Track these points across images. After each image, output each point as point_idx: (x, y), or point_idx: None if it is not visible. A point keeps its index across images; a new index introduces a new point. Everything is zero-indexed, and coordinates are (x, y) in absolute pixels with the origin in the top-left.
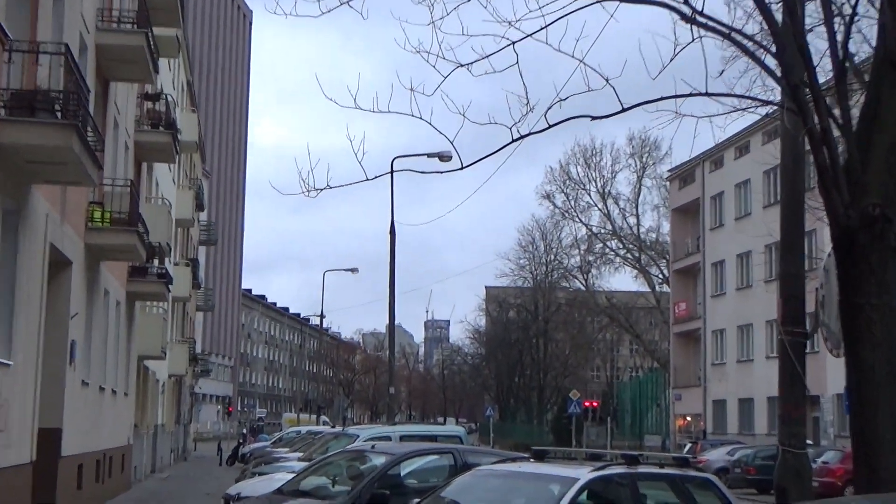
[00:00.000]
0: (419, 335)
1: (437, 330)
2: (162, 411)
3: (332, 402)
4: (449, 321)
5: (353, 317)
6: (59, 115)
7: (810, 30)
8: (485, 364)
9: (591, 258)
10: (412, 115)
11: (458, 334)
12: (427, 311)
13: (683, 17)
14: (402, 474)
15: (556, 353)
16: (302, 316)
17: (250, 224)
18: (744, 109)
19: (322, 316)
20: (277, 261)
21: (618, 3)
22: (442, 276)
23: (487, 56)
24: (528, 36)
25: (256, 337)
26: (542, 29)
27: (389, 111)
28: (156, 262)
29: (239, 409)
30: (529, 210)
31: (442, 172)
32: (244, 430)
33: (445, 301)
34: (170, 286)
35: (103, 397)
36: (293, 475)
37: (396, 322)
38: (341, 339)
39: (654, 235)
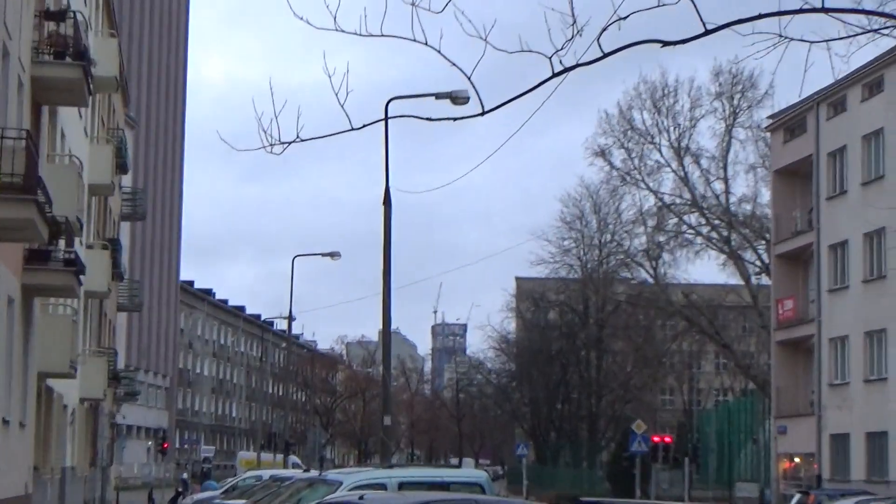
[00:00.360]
0: (425, 345)
1: (449, 338)
2: (72, 449)
3: (306, 438)
4: (466, 326)
5: (334, 320)
6: None
7: None
8: (515, 385)
9: (661, 238)
10: (413, 40)
11: (478, 343)
12: (435, 313)
13: None
14: None
15: (614, 370)
16: (263, 319)
17: (192, 193)
18: (876, 31)
19: (291, 318)
20: (229, 243)
21: None
22: (456, 262)
23: None
24: None
25: (201, 347)
26: None
27: (383, 34)
28: (62, 243)
29: (177, 445)
30: (576, 172)
31: (455, 119)
32: (184, 476)
33: (461, 298)
34: (81, 277)
35: None
36: None
37: (393, 327)
38: (317, 350)
39: (748, 207)
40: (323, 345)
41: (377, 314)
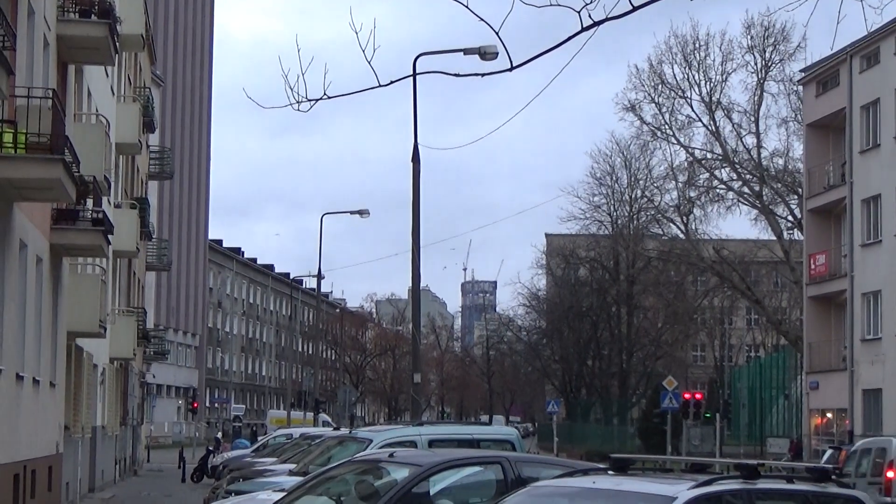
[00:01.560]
0: (454, 302)
1: (478, 295)
2: (102, 408)
3: (336, 396)
4: (495, 283)
5: (364, 278)
6: None
7: None
8: (546, 342)
9: (692, 194)
10: None
11: (508, 301)
12: (465, 270)
13: None
14: (431, 493)
15: (645, 327)
16: (292, 277)
17: (219, 151)
18: None
19: (320, 277)
20: (258, 202)
21: None
22: (485, 219)
23: None
24: None
25: (230, 306)
26: None
27: None
28: (89, 202)
29: (207, 404)
30: (607, 128)
31: (483, 75)
32: (216, 435)
33: (490, 255)
34: (109, 236)
35: (21, 389)
36: (282, 495)
37: (423, 284)
38: (347, 308)
39: (780, 162)
40: (352, 303)
41: (406, 272)
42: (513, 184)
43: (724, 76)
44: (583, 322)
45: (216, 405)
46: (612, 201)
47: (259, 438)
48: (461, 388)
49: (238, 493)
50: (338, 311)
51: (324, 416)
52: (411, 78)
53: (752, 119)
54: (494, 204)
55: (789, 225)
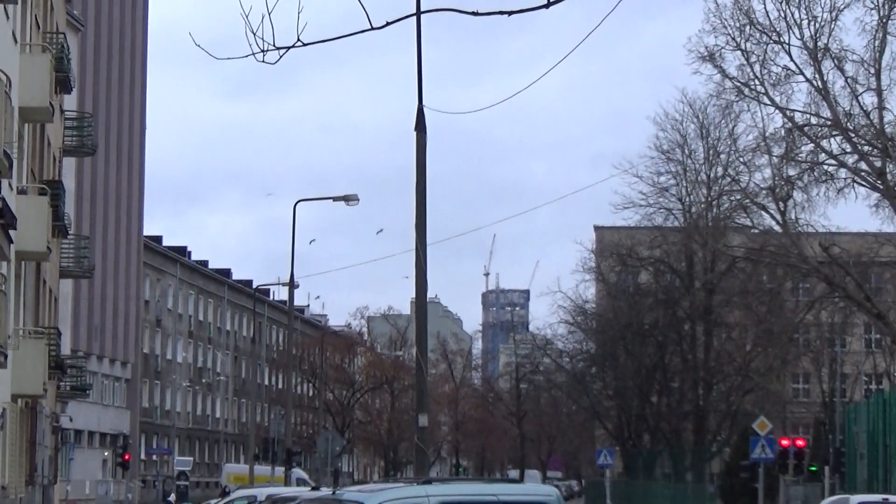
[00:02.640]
0: (473, 318)
1: (505, 309)
2: (2, 463)
3: (314, 445)
4: (528, 292)
5: (353, 287)
6: None
7: None
8: (595, 371)
9: (792, 172)
10: None
11: (544, 316)
12: (487, 275)
13: None
14: None
15: (729, 350)
16: (257, 286)
17: (159, 118)
18: None
19: (293, 285)
20: (210, 185)
21: None
22: (515, 207)
23: None
24: None
25: (172, 325)
26: None
27: None
28: None
29: (143, 456)
30: (676, 84)
31: (511, 13)
32: (171, 499)
33: (522, 255)
34: (11, 232)
35: None
36: None
37: (431, 295)
38: (330, 328)
39: None
40: (337, 320)
41: (409, 278)
42: (551, 160)
43: (833, 14)
44: (645, 345)
45: (154, 458)
46: (685, 182)
47: (211, 502)
48: (482, 434)
49: None
50: (317, 330)
51: (298, 472)
52: (414, 18)
53: (872, 71)
54: (527, 187)
55: None
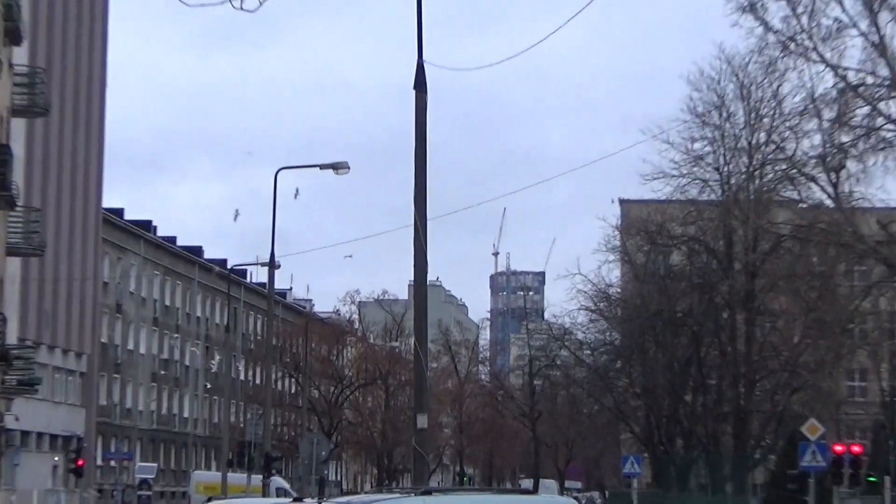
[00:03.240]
0: (480, 304)
1: (517, 294)
2: None
3: (297, 449)
4: (543, 275)
5: (342, 268)
6: None
7: None
8: (621, 366)
9: (845, 138)
10: None
11: (561, 301)
12: (496, 255)
13: None
14: None
15: (774, 342)
16: (232, 267)
17: (121, 74)
18: None
19: (273, 265)
20: (179, 152)
21: None
22: (528, 178)
23: None
24: None
25: (135, 311)
26: None
27: None
28: None
29: (100, 462)
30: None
31: None
32: None
33: (536, 231)
34: None
35: None
36: None
37: (432, 277)
38: (316, 314)
39: None
40: (324, 306)
41: (407, 259)
42: (570, 124)
43: None
44: (678, 335)
45: (113, 464)
46: (723, 150)
47: None
48: (490, 438)
49: None
50: (301, 317)
51: (278, 481)
52: None
53: None
54: (542, 155)
55: None
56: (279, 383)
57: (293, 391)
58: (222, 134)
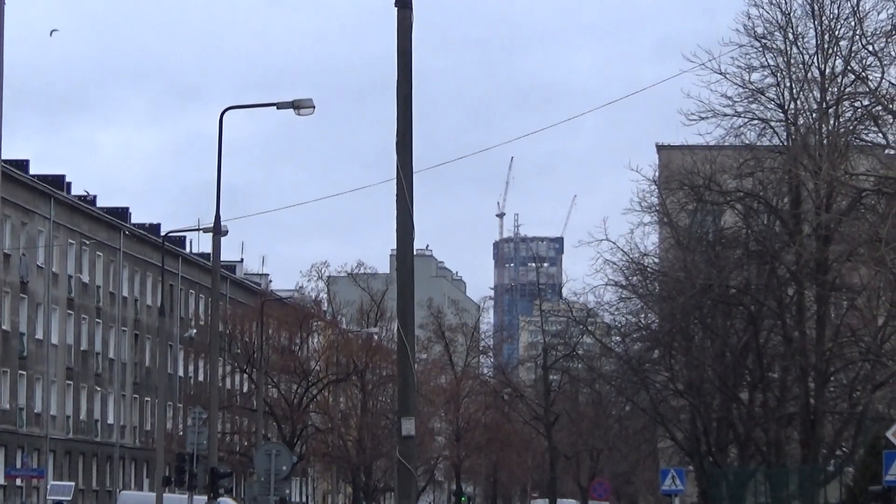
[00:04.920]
0: (482, 279)
1: (528, 266)
2: None
3: (250, 462)
4: (561, 241)
5: (306, 235)
6: None
7: None
8: (659, 356)
9: None
10: None
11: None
12: (501, 217)
13: None
14: None
15: (852, 325)
16: (167, 233)
17: None
18: None
19: (219, 231)
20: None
21: None
22: (542, 118)
23: None
24: None
25: (43, 289)
26: None
27: None
28: None
29: (1, 480)
30: None
31: None
32: None
33: (551, 187)
34: None
35: None
36: None
37: (421, 245)
38: (274, 293)
39: None
40: (283, 282)
41: (388, 222)
42: (597, 50)
43: None
44: (731, 317)
45: (19, 482)
46: (788, 81)
47: None
48: (495, 447)
49: None
50: (255, 296)
51: (226, 502)
52: None
53: None
54: (561, 88)
55: None
56: (228, 380)
57: (246, 390)
58: (156, 66)
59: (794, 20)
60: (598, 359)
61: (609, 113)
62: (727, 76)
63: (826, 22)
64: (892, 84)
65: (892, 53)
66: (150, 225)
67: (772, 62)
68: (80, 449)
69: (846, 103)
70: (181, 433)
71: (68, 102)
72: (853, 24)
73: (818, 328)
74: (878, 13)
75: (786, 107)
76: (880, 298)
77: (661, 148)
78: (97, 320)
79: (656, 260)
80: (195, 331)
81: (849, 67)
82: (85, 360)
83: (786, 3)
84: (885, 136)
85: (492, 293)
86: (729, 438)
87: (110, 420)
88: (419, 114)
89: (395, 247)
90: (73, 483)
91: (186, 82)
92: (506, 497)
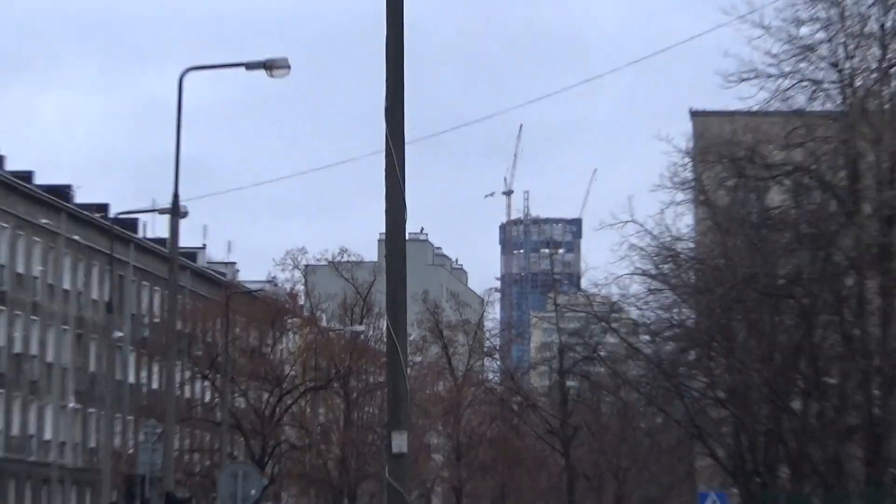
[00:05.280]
0: (487, 268)
1: (540, 253)
2: None
3: (214, 485)
4: (579, 223)
5: (280, 217)
6: None
7: None
8: (695, 358)
9: None
10: None
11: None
12: (509, 194)
13: None
14: None
15: None
16: (116, 215)
17: None
18: None
19: (177, 212)
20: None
21: None
22: (556, 81)
23: None
24: None
25: None
26: None
27: None
28: None
29: None
30: None
31: None
32: None
33: (568, 159)
34: None
35: None
36: None
37: (415, 228)
38: (241, 285)
39: None
40: (253, 272)
41: (376, 202)
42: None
43: None
44: (780, 312)
45: None
46: (843, 37)
47: None
48: (503, 466)
49: None
50: (221, 290)
51: None
52: None
53: None
54: (580, 45)
55: None
56: (187, 388)
57: (208, 399)
58: (106, 20)
59: None
60: (623, 362)
61: (636, 73)
62: (771, 31)
63: None
64: None
65: None
66: (97, 206)
67: (823, 14)
68: (11, 470)
69: None
70: (132, 451)
71: (0, 61)
72: None
73: (883, 324)
74: None
75: (840, 66)
76: None
77: (695, 114)
78: (33, 318)
79: (691, 245)
80: (149, 330)
81: None
82: (18, 365)
83: None
84: None
85: (498, 284)
86: (779, 456)
87: (47, 436)
88: (413, 74)
89: (383, 230)
90: None
91: (141, 39)
92: None
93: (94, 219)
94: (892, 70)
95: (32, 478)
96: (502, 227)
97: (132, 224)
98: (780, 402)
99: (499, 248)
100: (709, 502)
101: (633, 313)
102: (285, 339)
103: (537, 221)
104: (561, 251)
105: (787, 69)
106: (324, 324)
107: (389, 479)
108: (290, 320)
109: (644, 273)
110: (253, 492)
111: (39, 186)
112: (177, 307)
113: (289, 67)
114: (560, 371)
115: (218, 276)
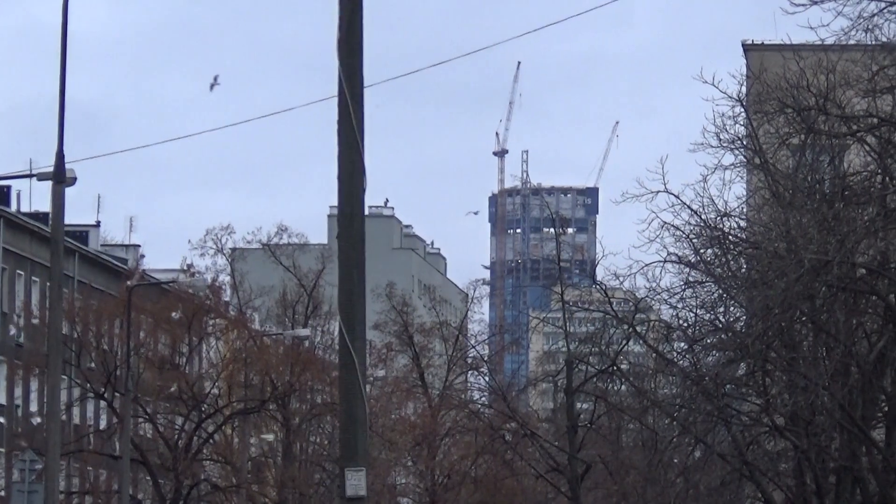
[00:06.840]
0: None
1: (541, 234)
2: None
3: None
4: (595, 192)
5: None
6: None
7: None
8: (746, 373)
9: None
10: None
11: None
12: (502, 155)
13: None
14: None
15: None
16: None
17: None
18: None
19: (63, 179)
20: None
21: None
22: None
23: None
24: None
25: None
26: None
27: None
28: None
29: None
30: None
31: None
32: None
33: (580, 110)
34: None
35: None
36: None
37: (376, 202)
38: (146, 273)
39: None
40: (163, 259)
41: (325, 166)
42: None
43: None
44: (858, 312)
45: None
46: None
47: None
48: (491, 494)
49: None
50: (121, 280)
51: None
52: None
53: None
54: None
55: None
56: (76, 410)
57: (104, 425)
58: None
59: None
60: (651, 377)
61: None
62: None
63: None
64: None
65: None
66: None
67: None
68: None
69: None
70: (2, 493)
71: None
72: None
73: None
74: None
75: None
76: None
77: (749, 48)
78: None
79: (742, 223)
80: (24, 334)
81: None
82: None
83: None
84: None
85: (487, 274)
86: (856, 498)
87: None
88: None
89: (335, 202)
90: None
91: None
92: None
93: None
94: None
95: None
96: (493, 199)
97: (3, 193)
98: (858, 430)
99: (488, 226)
100: None
101: (665, 313)
102: (205, 346)
103: (539, 191)
104: (570, 230)
105: None
106: (256, 326)
107: None
108: (211, 322)
109: (679, 260)
110: None
111: None
112: (62, 304)
113: None
114: (567, 389)
115: (116, 263)
